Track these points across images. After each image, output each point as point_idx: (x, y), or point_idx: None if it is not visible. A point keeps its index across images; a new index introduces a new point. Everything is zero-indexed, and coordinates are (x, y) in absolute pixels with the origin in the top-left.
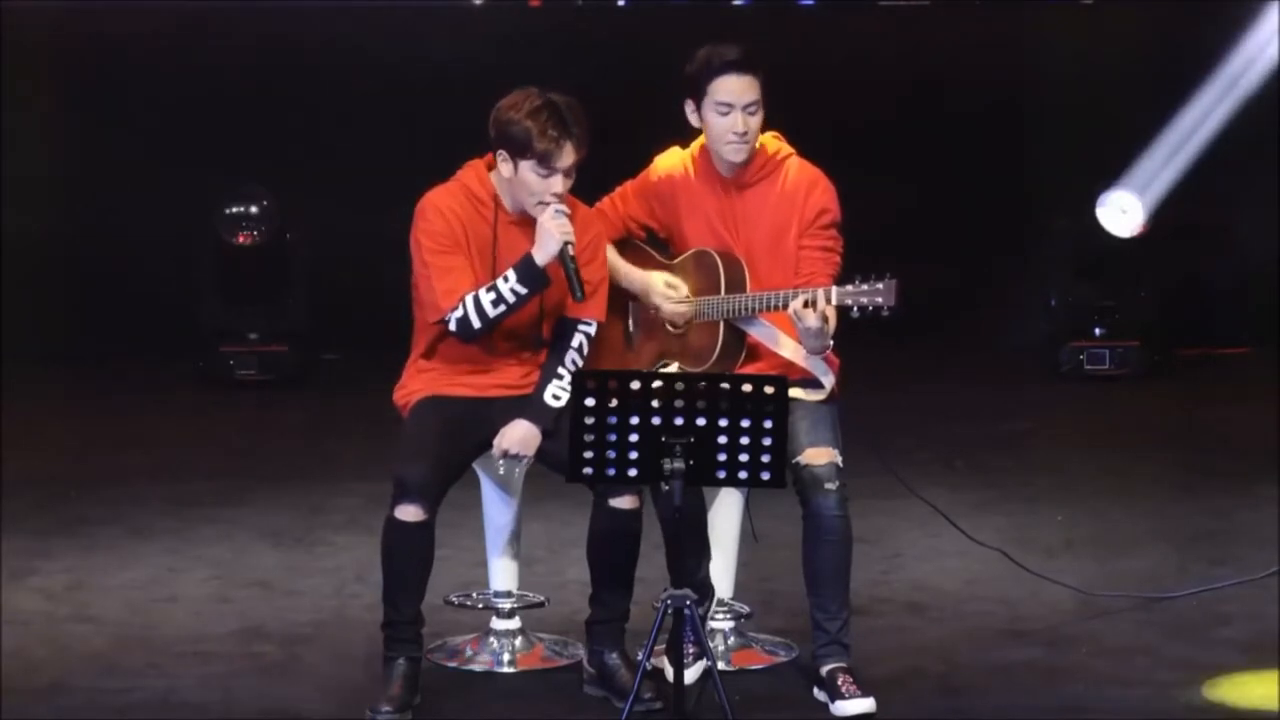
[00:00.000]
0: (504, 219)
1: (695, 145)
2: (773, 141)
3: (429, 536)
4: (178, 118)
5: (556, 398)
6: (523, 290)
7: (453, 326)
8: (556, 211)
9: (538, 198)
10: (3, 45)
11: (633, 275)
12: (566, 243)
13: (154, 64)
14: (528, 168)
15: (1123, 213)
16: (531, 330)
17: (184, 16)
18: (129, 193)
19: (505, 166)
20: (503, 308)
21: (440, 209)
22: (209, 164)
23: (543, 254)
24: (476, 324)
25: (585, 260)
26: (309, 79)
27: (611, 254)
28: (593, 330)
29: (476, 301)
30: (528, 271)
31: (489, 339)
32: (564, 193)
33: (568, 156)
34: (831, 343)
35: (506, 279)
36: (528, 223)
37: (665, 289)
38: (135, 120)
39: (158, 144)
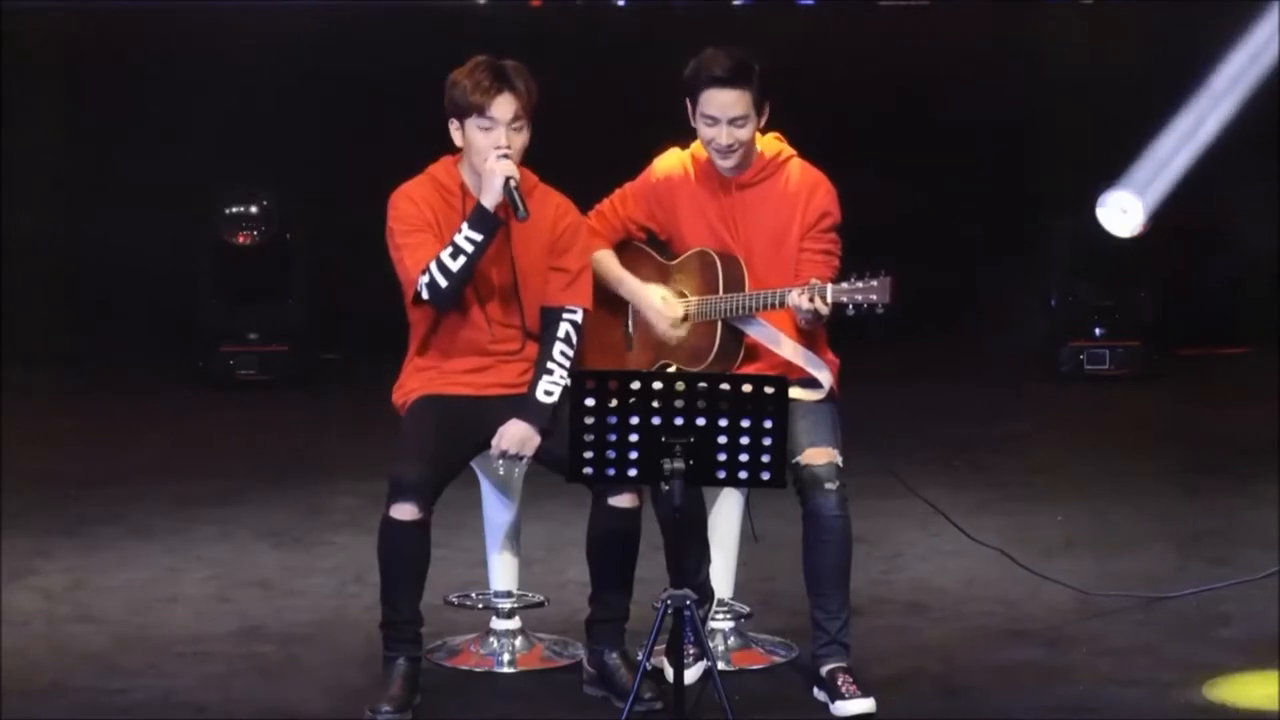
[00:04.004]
0: (473, 207)
1: (695, 146)
2: (774, 143)
3: (425, 535)
4: (178, 118)
5: (549, 393)
6: (477, 236)
7: (425, 294)
8: (500, 156)
9: (484, 155)
10: (2, 45)
11: (630, 286)
12: (509, 178)
13: (154, 64)
14: (472, 126)
15: (1123, 213)
16: (511, 301)
17: (184, 16)
18: (129, 193)
19: (458, 136)
20: (462, 259)
21: (409, 196)
22: (209, 164)
23: (490, 196)
24: (443, 283)
25: (563, 248)
26: (309, 78)
27: (611, 261)
28: (578, 317)
29: (438, 261)
30: (479, 217)
31: (480, 328)
32: (511, 147)
33: (504, 106)
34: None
35: (460, 230)
36: (499, 210)
37: (661, 305)
38: (135, 120)
39: (158, 144)
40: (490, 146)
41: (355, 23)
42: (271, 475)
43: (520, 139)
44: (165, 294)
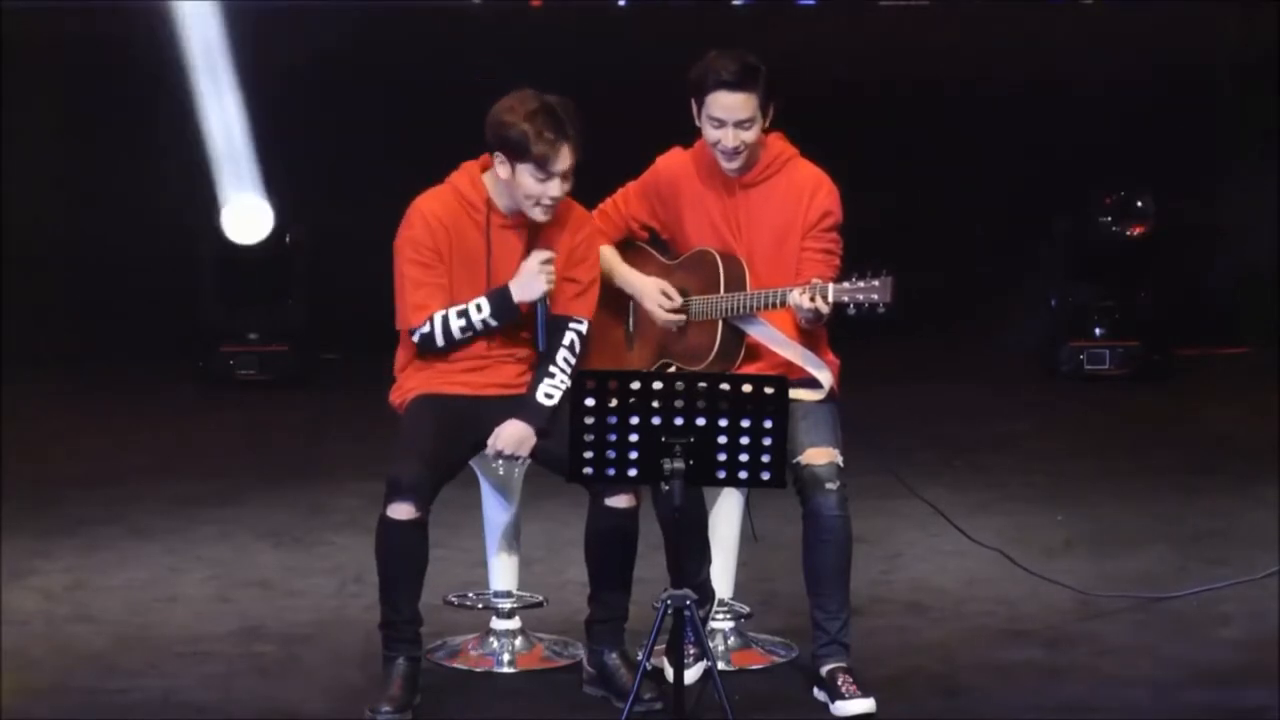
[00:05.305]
0: (496, 222)
1: (699, 145)
2: (776, 142)
3: (423, 535)
4: (177, 118)
5: (549, 396)
6: (494, 323)
7: (415, 339)
8: (544, 262)
9: (535, 199)
10: (2, 45)
11: (630, 278)
12: (546, 292)
13: (154, 64)
14: (525, 171)
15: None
16: (521, 330)
17: (184, 17)
18: (129, 193)
19: (503, 169)
20: (470, 334)
21: (427, 216)
22: (209, 164)
23: (521, 293)
24: (440, 342)
25: (577, 259)
26: (308, 79)
27: (611, 255)
28: (584, 328)
29: (445, 323)
30: (502, 306)
31: (479, 342)
32: (560, 196)
33: (565, 159)
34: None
35: (480, 308)
36: (521, 225)
37: (660, 296)
38: (135, 121)
39: (158, 144)
40: (544, 194)
41: (355, 23)
42: (271, 475)
43: (569, 185)
44: (165, 294)
